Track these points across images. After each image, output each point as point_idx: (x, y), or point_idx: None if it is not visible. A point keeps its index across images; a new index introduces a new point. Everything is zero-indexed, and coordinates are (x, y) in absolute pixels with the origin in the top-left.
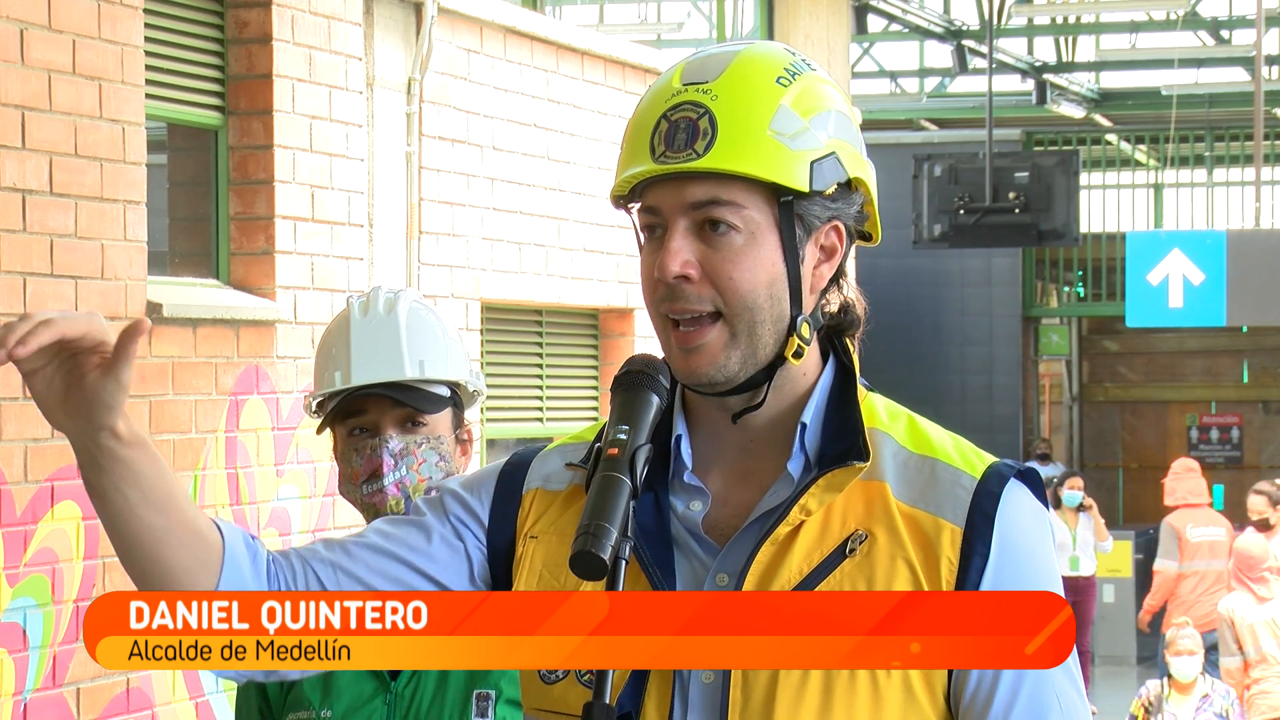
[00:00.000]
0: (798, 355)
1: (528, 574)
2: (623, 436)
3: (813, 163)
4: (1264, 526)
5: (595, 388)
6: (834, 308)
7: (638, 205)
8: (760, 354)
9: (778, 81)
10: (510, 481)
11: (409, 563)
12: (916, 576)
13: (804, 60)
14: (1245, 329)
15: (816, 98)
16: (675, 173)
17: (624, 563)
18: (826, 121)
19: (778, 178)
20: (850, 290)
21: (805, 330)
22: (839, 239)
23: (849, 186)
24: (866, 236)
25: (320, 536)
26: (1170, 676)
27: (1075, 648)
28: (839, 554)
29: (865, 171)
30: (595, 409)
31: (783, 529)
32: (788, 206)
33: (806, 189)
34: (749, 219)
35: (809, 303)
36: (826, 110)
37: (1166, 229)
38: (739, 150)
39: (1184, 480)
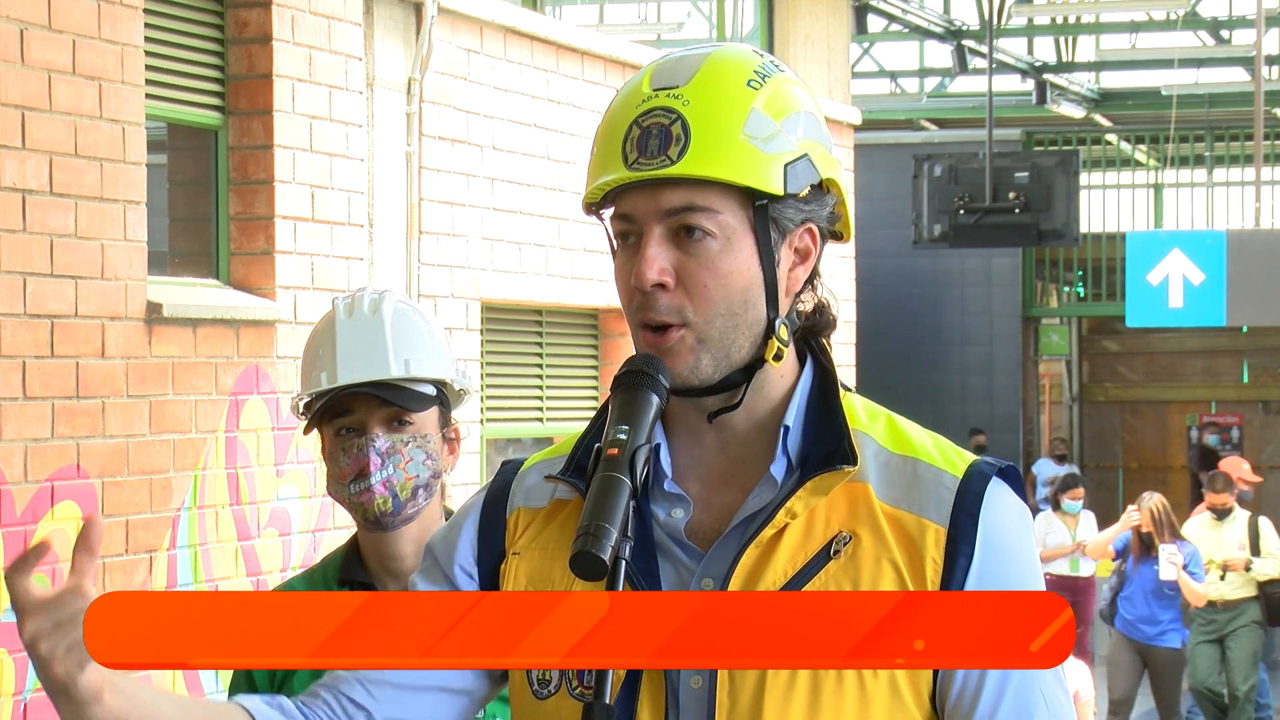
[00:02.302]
0: (778, 358)
1: (512, 590)
2: (622, 436)
3: (786, 165)
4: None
5: (595, 388)
6: (808, 308)
7: (610, 212)
8: (734, 356)
9: (748, 84)
10: (493, 510)
11: None
12: (902, 577)
13: (773, 62)
14: (1245, 329)
15: (787, 100)
16: (649, 179)
17: (624, 563)
18: (797, 123)
19: (752, 181)
20: (824, 291)
21: (784, 333)
22: (813, 241)
23: (821, 188)
24: (838, 236)
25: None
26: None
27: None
28: (823, 556)
29: (836, 172)
30: (595, 409)
31: (767, 532)
32: (762, 210)
33: (781, 192)
34: (724, 224)
35: (784, 305)
36: (797, 112)
37: (1166, 229)
38: (713, 155)
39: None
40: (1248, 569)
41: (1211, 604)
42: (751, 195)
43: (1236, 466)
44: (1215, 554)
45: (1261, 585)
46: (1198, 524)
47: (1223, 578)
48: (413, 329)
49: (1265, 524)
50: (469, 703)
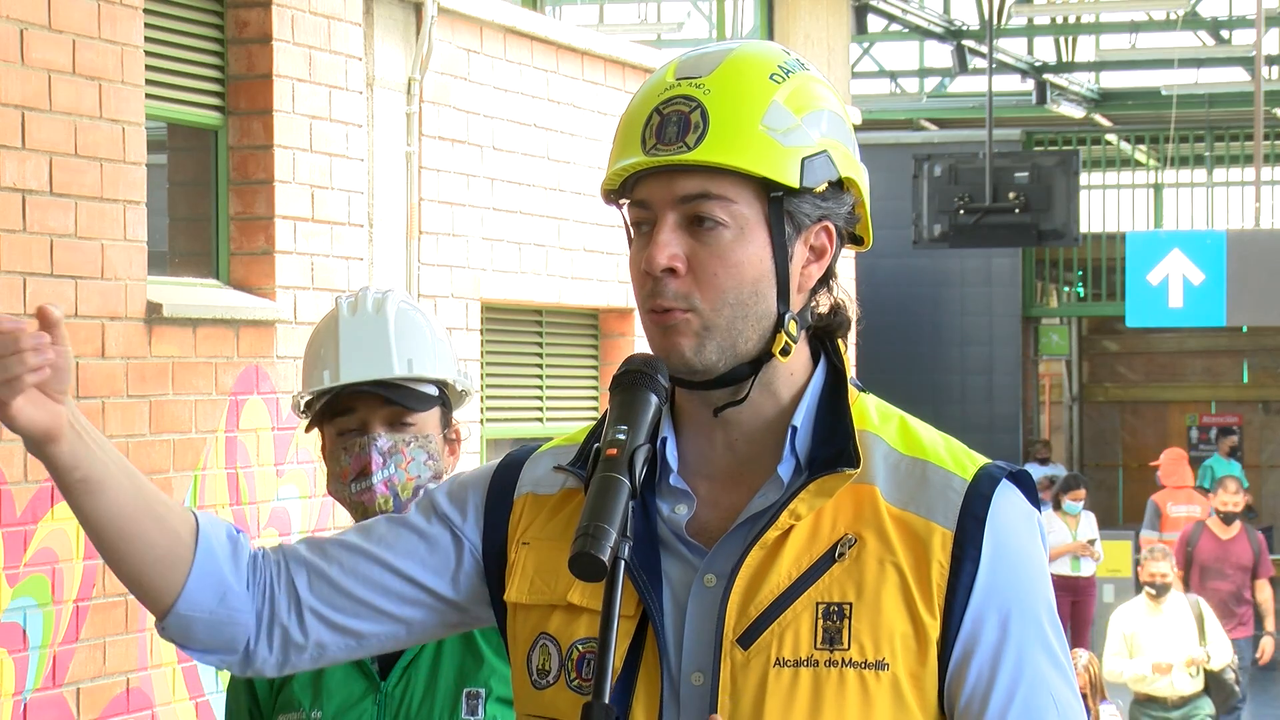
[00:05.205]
0: (785, 353)
1: (520, 580)
2: (621, 437)
3: (804, 159)
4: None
5: (595, 388)
6: (824, 309)
7: (628, 201)
8: (740, 347)
9: (771, 78)
10: (502, 485)
11: (386, 562)
12: (905, 580)
13: (798, 60)
14: (1245, 329)
15: (810, 96)
16: (665, 165)
17: (623, 563)
18: (819, 120)
19: (768, 172)
20: (840, 292)
21: (793, 328)
22: (829, 239)
23: (840, 187)
24: (858, 240)
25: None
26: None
27: (1069, 647)
28: (828, 558)
29: (857, 172)
30: (595, 409)
31: (772, 533)
32: (778, 202)
33: (797, 185)
34: (738, 214)
35: (797, 301)
36: (819, 109)
37: (1166, 229)
38: (730, 144)
39: (1174, 467)
40: (1209, 661)
41: (1160, 702)
42: (767, 187)
43: (1180, 462)
44: (1160, 640)
45: (1210, 673)
46: (1134, 609)
47: (1195, 674)
48: (416, 329)
49: (1206, 607)
50: (404, 632)
